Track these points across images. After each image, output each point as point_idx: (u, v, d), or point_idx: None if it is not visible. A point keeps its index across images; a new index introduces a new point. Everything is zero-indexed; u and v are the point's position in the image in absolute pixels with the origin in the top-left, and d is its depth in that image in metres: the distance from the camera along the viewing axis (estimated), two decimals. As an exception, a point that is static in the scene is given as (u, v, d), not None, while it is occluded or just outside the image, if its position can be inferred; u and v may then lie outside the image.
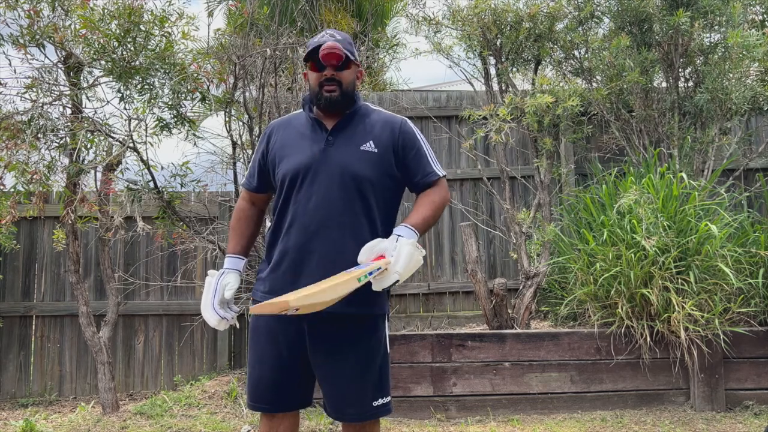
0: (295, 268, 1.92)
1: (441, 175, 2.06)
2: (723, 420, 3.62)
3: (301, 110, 2.11)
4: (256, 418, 3.70)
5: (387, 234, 1.92)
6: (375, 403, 1.96)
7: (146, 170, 4.05)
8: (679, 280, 3.73)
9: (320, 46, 1.93)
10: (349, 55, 1.96)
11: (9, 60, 3.77)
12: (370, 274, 1.72)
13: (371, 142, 1.99)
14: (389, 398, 2.01)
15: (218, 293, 1.95)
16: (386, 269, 1.74)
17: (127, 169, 4.14)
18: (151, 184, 4.09)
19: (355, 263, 1.82)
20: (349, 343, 1.94)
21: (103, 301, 4.55)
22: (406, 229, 1.88)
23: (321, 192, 1.92)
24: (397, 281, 1.75)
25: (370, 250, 1.80)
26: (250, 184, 2.16)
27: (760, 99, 4.50)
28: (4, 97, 3.83)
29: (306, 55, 2.00)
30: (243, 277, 4.39)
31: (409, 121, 2.11)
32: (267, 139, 2.10)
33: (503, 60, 4.83)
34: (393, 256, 1.77)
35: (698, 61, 4.59)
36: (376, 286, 1.78)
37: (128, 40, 3.79)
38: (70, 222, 3.96)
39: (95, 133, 3.86)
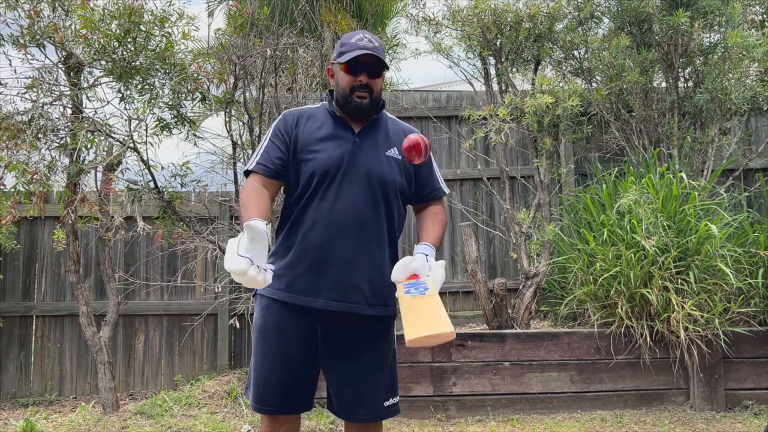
0: (316, 266, 1.88)
1: (446, 193, 2.15)
2: (723, 420, 3.63)
3: (320, 105, 2.09)
4: (257, 417, 3.70)
5: (393, 239, 2.00)
6: (386, 403, 1.98)
7: (146, 170, 4.05)
8: (679, 280, 3.74)
9: (358, 49, 1.93)
10: (387, 64, 1.98)
11: (9, 60, 3.78)
12: (426, 290, 1.84)
13: (395, 148, 2.02)
14: (398, 398, 2.03)
15: (242, 241, 1.60)
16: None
17: (128, 169, 4.15)
18: (152, 184, 4.09)
19: (374, 264, 1.92)
20: (363, 343, 1.95)
21: (104, 301, 4.55)
22: (430, 248, 1.94)
23: (348, 193, 1.92)
24: None
25: (404, 268, 1.84)
26: (267, 169, 1.94)
27: (760, 99, 4.50)
28: (5, 97, 3.84)
29: (340, 55, 1.97)
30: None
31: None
32: (292, 126, 1.99)
33: (503, 60, 4.83)
34: (430, 276, 1.85)
35: (698, 61, 4.59)
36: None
37: (128, 40, 3.79)
38: (70, 222, 3.96)
39: (95, 133, 3.86)
